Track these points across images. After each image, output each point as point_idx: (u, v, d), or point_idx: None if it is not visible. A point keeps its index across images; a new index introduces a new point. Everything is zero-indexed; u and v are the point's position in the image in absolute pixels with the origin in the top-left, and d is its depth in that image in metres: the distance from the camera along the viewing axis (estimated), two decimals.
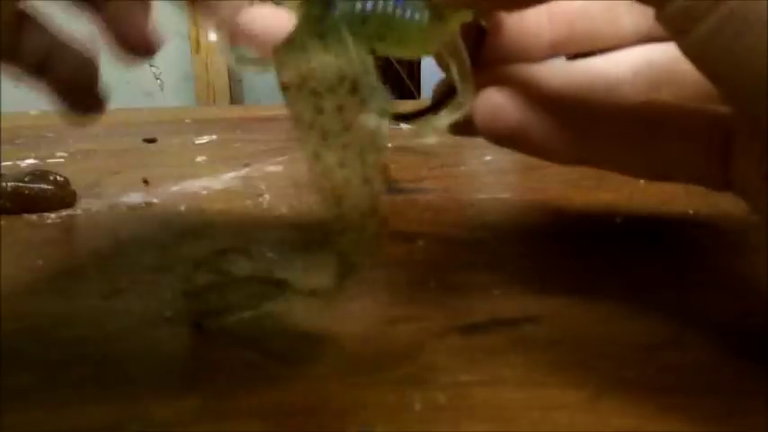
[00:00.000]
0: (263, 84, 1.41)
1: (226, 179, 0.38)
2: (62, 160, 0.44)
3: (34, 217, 0.31)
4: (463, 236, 0.29)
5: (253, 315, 0.19)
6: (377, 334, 0.20)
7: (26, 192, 0.31)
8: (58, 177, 0.33)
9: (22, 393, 0.17)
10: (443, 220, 0.30)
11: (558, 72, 0.22)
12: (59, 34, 0.23)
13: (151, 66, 1.34)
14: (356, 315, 0.21)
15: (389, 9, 0.18)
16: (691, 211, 0.30)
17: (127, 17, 0.23)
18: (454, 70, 0.20)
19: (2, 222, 0.30)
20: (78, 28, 0.24)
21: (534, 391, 0.17)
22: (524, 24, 0.21)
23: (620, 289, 0.23)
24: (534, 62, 0.22)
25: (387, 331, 0.20)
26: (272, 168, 0.40)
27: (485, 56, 0.21)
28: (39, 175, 0.33)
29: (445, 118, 0.20)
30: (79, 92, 0.24)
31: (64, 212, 0.31)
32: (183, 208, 0.32)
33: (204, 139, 0.51)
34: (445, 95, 0.22)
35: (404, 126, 0.22)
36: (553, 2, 0.19)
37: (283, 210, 0.32)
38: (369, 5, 0.18)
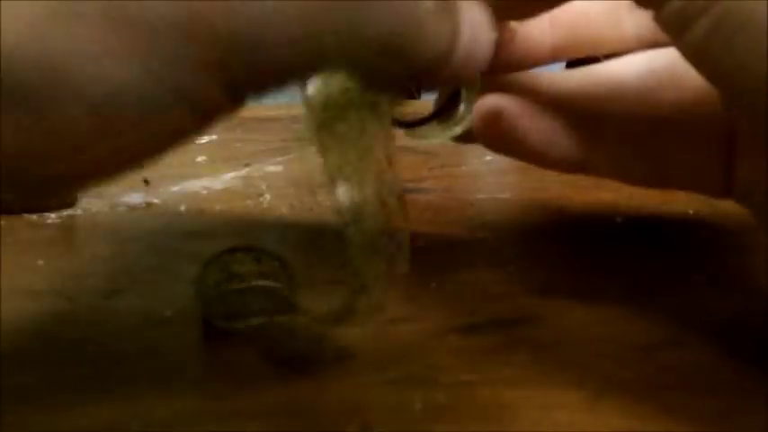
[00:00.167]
0: None
1: (226, 179, 0.38)
2: None
3: (34, 217, 0.31)
4: (463, 236, 0.29)
5: (261, 323, 0.19)
6: (377, 334, 0.20)
7: None
8: None
9: (22, 393, 0.17)
10: (443, 220, 0.30)
11: (558, 78, 0.22)
12: None
13: None
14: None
15: None
16: (691, 211, 0.29)
17: None
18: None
19: (2, 222, 0.30)
20: None
21: (534, 391, 0.17)
22: (527, 29, 0.21)
23: (620, 289, 0.23)
24: (536, 67, 0.22)
25: (387, 331, 0.20)
26: (272, 168, 0.40)
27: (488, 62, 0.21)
28: None
29: (449, 131, 0.20)
30: None
31: (64, 212, 0.31)
32: (183, 208, 0.32)
33: (204, 139, 0.51)
34: (448, 103, 0.22)
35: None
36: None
37: (284, 210, 0.32)
38: None
